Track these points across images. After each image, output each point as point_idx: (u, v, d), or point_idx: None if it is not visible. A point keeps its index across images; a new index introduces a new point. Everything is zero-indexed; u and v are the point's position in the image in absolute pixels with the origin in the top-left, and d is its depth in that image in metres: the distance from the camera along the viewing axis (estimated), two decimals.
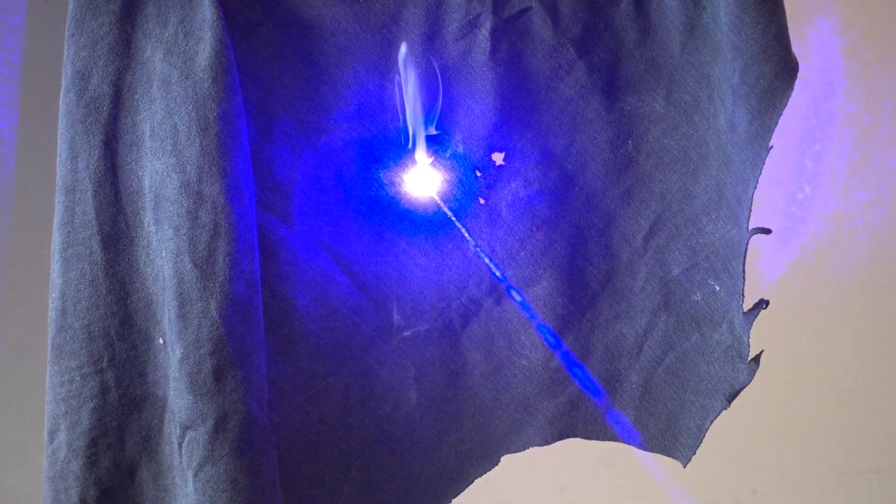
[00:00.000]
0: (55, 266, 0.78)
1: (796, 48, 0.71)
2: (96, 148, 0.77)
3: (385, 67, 0.78)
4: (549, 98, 0.79)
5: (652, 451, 0.82)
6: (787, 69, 0.70)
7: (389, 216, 0.81)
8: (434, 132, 0.78)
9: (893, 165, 1.36)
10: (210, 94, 0.74)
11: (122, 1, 0.76)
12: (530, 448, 0.83)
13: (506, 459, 0.85)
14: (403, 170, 0.80)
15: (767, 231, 0.72)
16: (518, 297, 0.81)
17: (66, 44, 0.77)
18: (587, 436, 0.83)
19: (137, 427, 0.78)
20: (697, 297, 0.79)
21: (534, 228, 0.80)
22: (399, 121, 0.78)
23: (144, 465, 0.78)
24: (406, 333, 0.82)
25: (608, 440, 0.83)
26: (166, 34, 0.76)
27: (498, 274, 0.81)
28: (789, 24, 0.71)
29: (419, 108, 0.76)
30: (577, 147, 0.80)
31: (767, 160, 0.71)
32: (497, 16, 0.77)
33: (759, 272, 0.83)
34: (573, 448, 1.22)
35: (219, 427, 0.74)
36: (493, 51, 0.77)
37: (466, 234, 0.81)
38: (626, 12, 0.77)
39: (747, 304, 0.76)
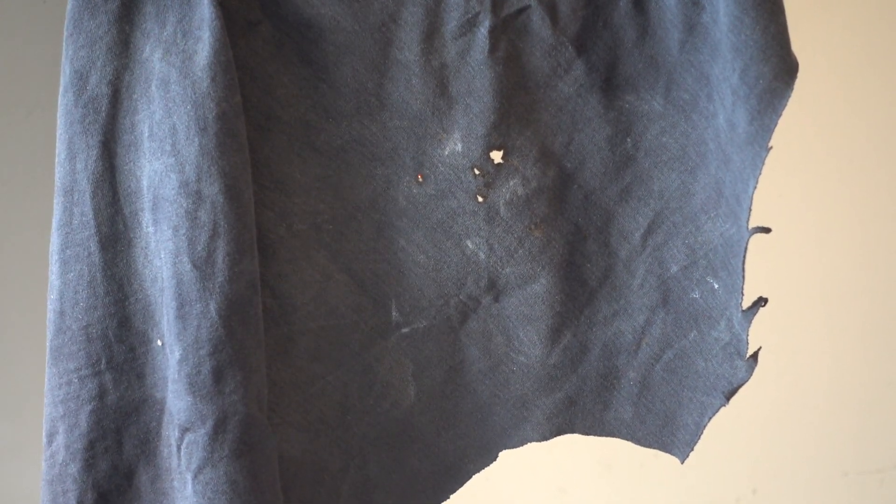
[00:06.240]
0: (53, 267, 0.77)
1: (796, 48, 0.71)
2: (94, 148, 0.76)
3: (384, 66, 0.78)
4: (548, 96, 0.79)
5: (650, 446, 0.83)
6: (786, 69, 0.70)
7: (388, 214, 0.80)
8: None
9: (891, 164, 1.36)
10: (209, 93, 0.74)
11: (121, 0, 0.76)
12: (528, 443, 0.84)
13: (504, 459, 0.85)
14: (402, 167, 0.80)
15: (767, 230, 0.72)
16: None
17: (64, 44, 0.77)
18: (585, 431, 0.83)
19: (135, 430, 0.77)
20: (696, 294, 0.79)
21: (532, 226, 0.80)
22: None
23: (142, 468, 0.78)
24: (405, 331, 0.82)
25: (606, 436, 0.83)
26: (165, 33, 0.75)
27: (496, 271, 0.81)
28: (789, 24, 0.71)
29: None
30: (575, 145, 0.80)
31: (769, 158, 0.71)
32: (496, 14, 0.77)
33: (758, 270, 0.83)
34: (572, 448, 1.22)
35: (218, 429, 0.74)
36: (492, 49, 0.77)
37: (464, 232, 0.81)
38: (624, 10, 0.77)
39: (746, 303, 0.76)
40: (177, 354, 0.74)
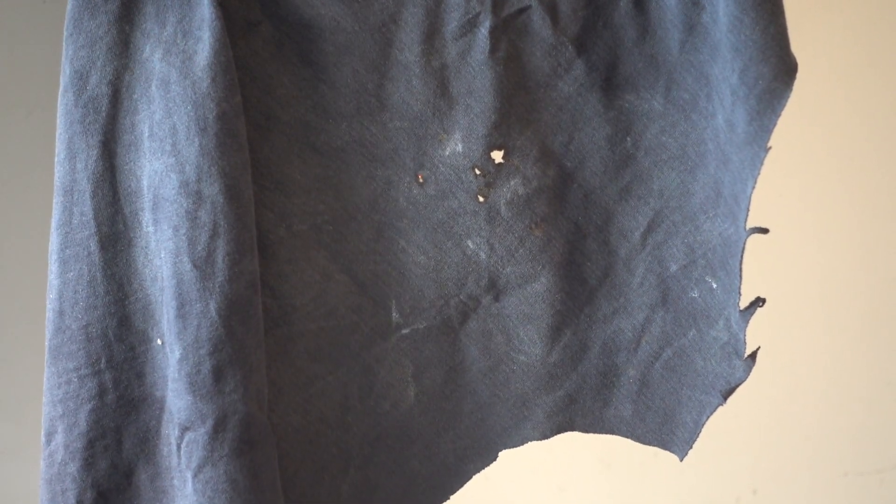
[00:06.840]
0: (53, 267, 0.77)
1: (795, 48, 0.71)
2: (94, 148, 0.76)
3: (384, 66, 0.78)
4: (548, 96, 0.79)
5: (649, 444, 0.83)
6: (786, 70, 0.70)
7: (388, 215, 0.81)
8: None
9: (891, 164, 1.36)
10: (209, 93, 0.74)
11: (121, 0, 0.76)
12: (529, 442, 0.84)
13: (504, 458, 0.85)
14: (403, 167, 0.80)
15: (765, 231, 0.72)
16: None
17: (64, 44, 0.77)
18: (585, 429, 0.83)
19: (135, 429, 0.77)
20: (695, 293, 0.80)
21: (533, 225, 0.80)
22: None
23: (142, 466, 0.78)
24: (405, 331, 0.82)
25: (606, 433, 0.83)
26: (165, 34, 0.75)
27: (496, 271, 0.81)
28: (789, 24, 0.71)
29: None
30: (575, 144, 0.80)
31: (768, 158, 0.71)
32: (496, 14, 0.77)
33: (758, 270, 0.83)
34: (572, 447, 1.22)
35: (218, 428, 0.74)
36: (493, 49, 0.77)
37: (465, 232, 0.81)
38: (625, 10, 0.77)
39: (744, 303, 0.76)
40: (177, 354, 0.74)
